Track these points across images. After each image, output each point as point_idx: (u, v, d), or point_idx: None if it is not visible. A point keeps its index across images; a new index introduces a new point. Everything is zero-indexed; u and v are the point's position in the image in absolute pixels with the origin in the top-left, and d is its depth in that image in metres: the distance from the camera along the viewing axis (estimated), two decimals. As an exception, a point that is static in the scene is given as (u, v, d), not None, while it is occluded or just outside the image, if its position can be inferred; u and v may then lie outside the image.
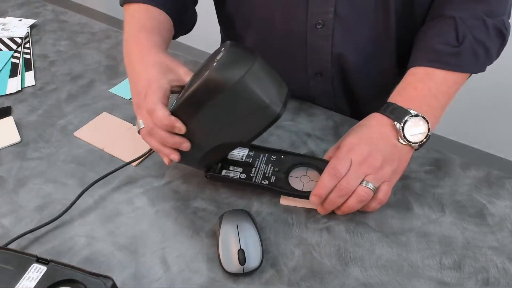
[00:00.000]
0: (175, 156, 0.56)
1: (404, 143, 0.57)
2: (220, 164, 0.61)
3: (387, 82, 0.73)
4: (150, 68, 0.57)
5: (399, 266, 0.54)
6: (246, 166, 0.62)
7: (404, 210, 0.60)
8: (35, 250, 0.55)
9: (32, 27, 0.97)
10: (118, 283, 0.49)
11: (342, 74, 0.74)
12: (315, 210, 0.59)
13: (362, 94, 0.79)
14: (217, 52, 0.53)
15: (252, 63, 0.49)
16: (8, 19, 0.99)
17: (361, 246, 0.56)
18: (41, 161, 0.67)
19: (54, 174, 0.65)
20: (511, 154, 1.77)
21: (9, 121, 0.73)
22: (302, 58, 0.72)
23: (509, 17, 0.64)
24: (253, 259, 0.52)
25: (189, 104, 0.52)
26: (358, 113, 0.78)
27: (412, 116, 0.56)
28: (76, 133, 0.71)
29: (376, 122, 0.59)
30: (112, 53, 0.89)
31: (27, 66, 0.85)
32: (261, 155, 0.63)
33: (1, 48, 0.89)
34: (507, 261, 0.55)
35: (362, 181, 0.55)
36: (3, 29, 0.95)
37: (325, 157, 0.61)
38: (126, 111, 0.75)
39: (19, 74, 0.83)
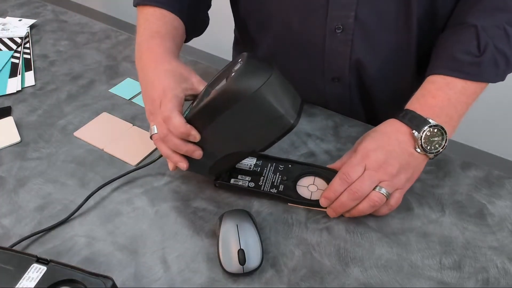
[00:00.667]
0: (184, 165, 0.56)
1: (421, 152, 0.56)
2: (228, 173, 0.62)
3: (405, 89, 0.71)
4: (164, 77, 0.57)
5: (399, 266, 0.54)
6: (254, 175, 0.62)
7: (404, 210, 0.60)
8: (35, 250, 0.55)
9: (32, 27, 0.97)
10: (118, 283, 0.49)
11: (360, 80, 0.73)
12: (315, 210, 0.59)
13: (379, 100, 0.77)
14: (234, 63, 0.54)
15: (269, 75, 0.50)
16: (8, 19, 0.99)
17: (361, 246, 0.56)
18: (41, 161, 0.67)
19: (54, 174, 0.65)
20: (511, 154, 1.77)
21: (9, 121, 0.73)
22: (320, 62, 0.71)
23: None
24: (253, 259, 0.52)
25: (205, 113, 0.53)
26: (373, 119, 0.77)
27: (431, 126, 0.56)
28: (76, 133, 0.71)
29: (393, 129, 0.58)
30: (112, 53, 0.89)
31: (27, 66, 0.85)
32: (269, 164, 0.64)
33: (1, 48, 0.89)
34: (507, 261, 0.55)
35: (376, 186, 0.55)
36: (3, 29, 0.95)
37: (339, 162, 0.61)
38: (126, 111, 0.75)
39: (19, 74, 0.83)
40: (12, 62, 0.86)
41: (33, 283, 0.44)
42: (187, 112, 0.56)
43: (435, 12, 0.65)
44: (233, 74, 0.50)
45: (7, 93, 0.79)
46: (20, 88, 0.80)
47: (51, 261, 0.47)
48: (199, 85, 0.59)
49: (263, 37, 0.76)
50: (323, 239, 0.57)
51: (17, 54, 0.88)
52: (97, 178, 0.64)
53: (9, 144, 0.69)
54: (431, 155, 0.57)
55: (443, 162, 0.67)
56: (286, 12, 0.68)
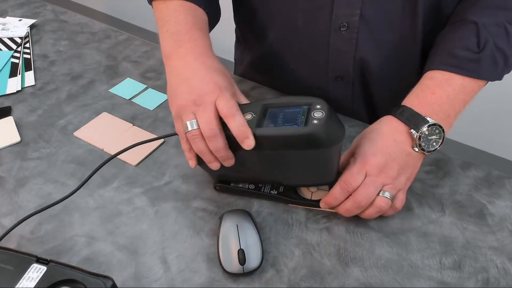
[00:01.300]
0: (218, 165, 0.55)
1: (419, 151, 0.56)
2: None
3: (409, 89, 0.70)
4: (214, 73, 0.56)
5: (399, 266, 0.54)
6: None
7: (404, 210, 0.60)
8: (35, 250, 0.55)
9: (32, 27, 0.97)
10: (118, 283, 0.49)
11: (364, 79, 0.73)
12: (315, 210, 0.59)
13: (381, 100, 0.77)
14: (308, 103, 0.53)
15: (344, 134, 0.53)
16: (8, 19, 0.99)
17: (361, 246, 0.56)
18: (41, 161, 0.67)
19: (54, 174, 0.65)
20: (511, 154, 1.77)
21: (9, 121, 0.73)
22: (323, 61, 0.71)
23: None
24: (253, 259, 0.52)
25: (269, 139, 0.52)
26: (375, 119, 0.76)
27: (429, 125, 0.55)
28: (76, 133, 0.71)
29: (391, 129, 0.57)
30: (112, 53, 0.89)
31: (27, 66, 0.85)
32: None
33: (1, 48, 0.89)
34: (507, 261, 0.55)
35: (379, 191, 0.55)
36: (3, 29, 0.95)
37: (344, 157, 0.60)
38: (126, 111, 0.75)
39: (19, 74, 0.83)
40: (12, 62, 0.86)
41: (33, 283, 0.44)
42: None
43: (440, 11, 0.65)
44: (315, 121, 0.50)
45: (7, 93, 0.79)
46: (20, 88, 0.80)
47: (51, 261, 0.47)
48: (240, 96, 0.57)
49: (266, 35, 0.75)
50: (323, 239, 0.57)
51: (17, 54, 0.88)
52: (97, 178, 0.64)
53: (9, 144, 0.69)
54: (428, 153, 0.57)
55: (443, 162, 0.67)
56: (290, 9, 0.68)
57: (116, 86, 0.81)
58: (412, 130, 0.56)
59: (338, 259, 0.55)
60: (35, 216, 0.58)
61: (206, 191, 0.62)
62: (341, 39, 0.67)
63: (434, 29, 0.66)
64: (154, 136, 0.69)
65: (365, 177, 0.55)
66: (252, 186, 0.61)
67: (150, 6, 0.68)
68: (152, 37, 0.95)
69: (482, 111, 1.58)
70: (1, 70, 0.84)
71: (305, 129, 0.50)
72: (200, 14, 0.64)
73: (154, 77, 0.83)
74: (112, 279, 0.46)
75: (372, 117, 0.80)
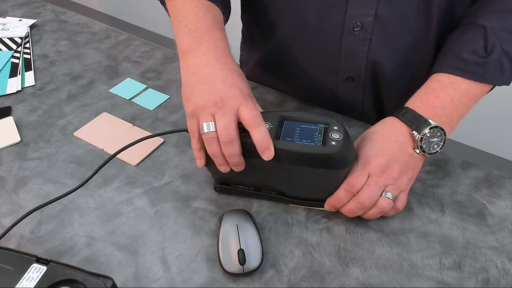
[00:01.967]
0: (228, 168, 0.55)
1: (420, 152, 0.56)
2: None
3: None
4: (237, 77, 0.55)
5: (399, 266, 0.54)
6: None
7: (404, 210, 0.60)
8: (35, 250, 0.55)
9: (32, 27, 0.97)
10: (118, 283, 0.49)
11: (375, 81, 0.72)
12: (314, 210, 0.59)
13: (391, 103, 0.76)
14: (325, 122, 0.55)
15: (356, 158, 0.56)
16: (8, 19, 0.99)
17: (361, 246, 0.56)
18: (41, 161, 0.67)
19: (54, 174, 0.65)
20: (511, 154, 1.77)
21: (9, 121, 0.73)
22: (335, 61, 0.70)
23: None
24: (253, 259, 0.52)
25: (286, 154, 0.52)
26: None
27: (431, 127, 0.55)
28: (76, 133, 0.71)
29: (393, 130, 0.57)
30: (112, 53, 0.89)
31: (27, 66, 0.85)
32: None
33: (1, 48, 0.89)
34: (507, 261, 0.55)
35: (382, 191, 0.55)
36: (3, 29, 0.95)
37: None
38: (126, 111, 0.75)
39: (19, 74, 0.83)
40: (12, 62, 0.86)
41: (33, 283, 0.44)
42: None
43: (453, 16, 0.64)
44: (333, 142, 0.52)
45: (7, 93, 0.79)
46: (20, 88, 0.80)
47: (51, 261, 0.47)
48: (255, 102, 0.57)
49: (276, 33, 0.74)
50: (323, 239, 0.57)
51: (17, 54, 0.88)
52: (97, 178, 0.64)
53: (9, 144, 0.69)
54: (429, 155, 0.57)
55: (443, 162, 0.67)
56: (302, 7, 0.67)
57: (116, 86, 0.81)
58: (414, 132, 0.56)
59: (338, 259, 0.55)
60: (35, 216, 0.59)
61: (206, 191, 0.62)
62: (354, 40, 0.66)
63: (447, 34, 0.65)
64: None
65: (368, 177, 0.55)
66: (252, 187, 0.61)
67: (158, 1, 0.67)
68: (152, 37, 0.95)
69: (482, 111, 1.58)
70: (1, 70, 0.84)
71: (324, 150, 0.52)
72: (218, 13, 0.63)
73: (154, 77, 0.83)
74: (112, 279, 0.46)
75: (381, 119, 0.79)
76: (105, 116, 0.74)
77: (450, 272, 0.54)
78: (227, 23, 0.66)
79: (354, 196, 0.55)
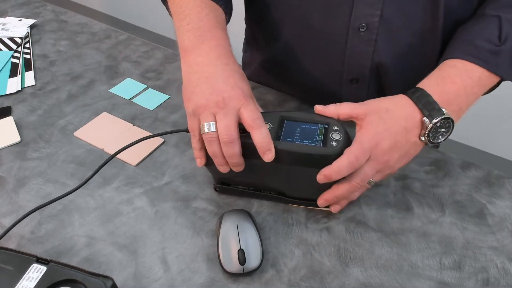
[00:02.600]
0: (227, 168, 0.55)
1: (424, 140, 0.55)
2: None
3: None
4: (239, 78, 0.55)
5: (399, 266, 0.54)
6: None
7: (404, 210, 0.60)
8: (35, 250, 0.55)
9: (32, 27, 0.97)
10: (118, 283, 0.49)
11: (380, 82, 0.71)
12: (315, 210, 0.59)
13: None
14: (325, 122, 0.55)
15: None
16: (8, 19, 0.99)
17: (361, 246, 0.56)
18: (41, 161, 0.67)
19: (54, 174, 0.65)
20: (511, 154, 1.77)
21: (9, 121, 0.73)
22: (339, 62, 0.69)
23: None
24: (253, 259, 0.52)
25: (286, 154, 0.52)
26: None
27: (444, 118, 0.53)
28: (76, 133, 0.71)
29: (405, 114, 0.55)
30: (112, 53, 0.89)
31: (27, 66, 0.85)
32: None
33: (1, 48, 0.89)
34: (507, 261, 0.55)
35: None
36: (3, 29, 0.95)
37: (342, 111, 0.56)
38: (126, 111, 0.75)
39: (19, 74, 0.83)
40: (12, 62, 0.86)
41: (33, 283, 0.44)
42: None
43: (460, 16, 0.64)
44: (334, 143, 0.53)
45: (7, 93, 0.79)
46: (20, 88, 0.80)
47: (51, 261, 0.47)
48: (255, 103, 0.56)
49: (280, 33, 0.73)
50: (323, 239, 0.57)
51: (17, 54, 0.88)
52: (97, 178, 0.64)
53: (9, 144, 0.69)
54: (431, 145, 0.56)
55: (443, 162, 0.67)
56: (306, 7, 0.66)
57: (116, 86, 0.81)
58: (425, 119, 0.54)
59: (338, 259, 0.55)
60: (35, 216, 0.59)
61: (206, 191, 0.62)
62: (359, 40, 0.65)
63: (453, 35, 0.64)
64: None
65: (368, 159, 0.53)
66: (252, 187, 0.61)
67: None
68: (152, 37, 0.95)
69: (482, 111, 1.58)
70: (1, 70, 0.84)
71: (324, 150, 0.52)
72: (220, 13, 0.63)
73: (154, 77, 0.83)
74: (112, 279, 0.46)
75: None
76: (105, 116, 0.74)
77: (450, 272, 0.54)
78: (228, 24, 0.66)
79: (344, 178, 0.53)
